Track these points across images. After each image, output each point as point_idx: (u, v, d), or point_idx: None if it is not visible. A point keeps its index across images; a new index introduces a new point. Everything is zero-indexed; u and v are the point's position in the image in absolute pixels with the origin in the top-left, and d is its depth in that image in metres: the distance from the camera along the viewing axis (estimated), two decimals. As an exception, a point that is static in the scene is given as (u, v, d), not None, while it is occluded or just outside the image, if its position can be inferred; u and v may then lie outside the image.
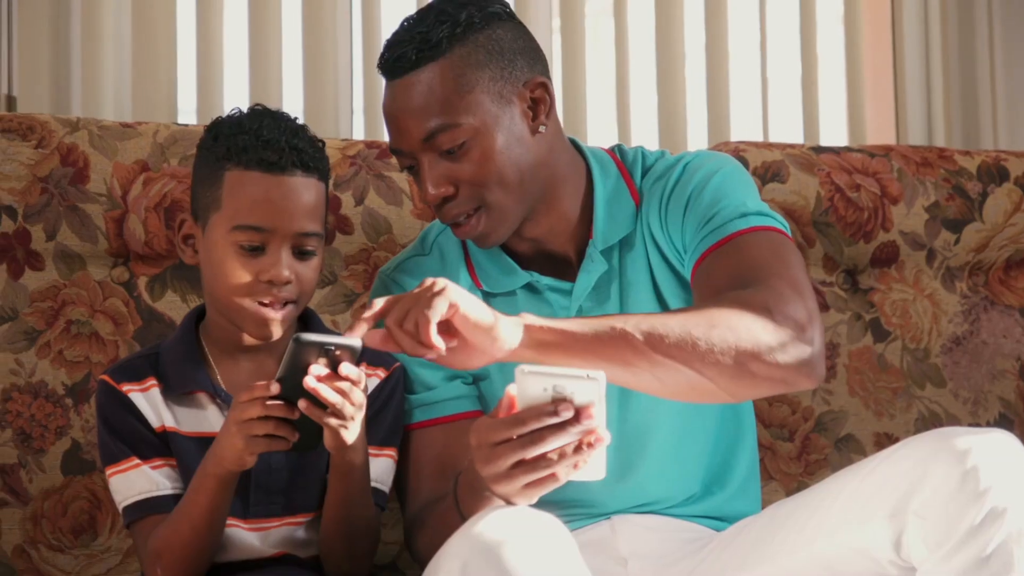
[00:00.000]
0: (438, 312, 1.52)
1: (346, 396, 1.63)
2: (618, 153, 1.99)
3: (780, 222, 1.86)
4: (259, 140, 1.80)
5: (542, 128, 1.86)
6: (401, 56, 1.80)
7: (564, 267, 1.94)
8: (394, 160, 2.28)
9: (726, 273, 1.79)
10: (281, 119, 1.85)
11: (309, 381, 1.60)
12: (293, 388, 1.62)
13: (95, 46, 2.93)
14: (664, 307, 1.92)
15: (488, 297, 1.93)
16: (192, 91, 3.04)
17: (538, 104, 1.86)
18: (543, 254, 1.94)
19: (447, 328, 1.55)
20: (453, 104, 1.80)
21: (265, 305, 1.80)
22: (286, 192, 1.80)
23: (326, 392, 1.61)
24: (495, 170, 1.82)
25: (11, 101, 2.88)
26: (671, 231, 1.91)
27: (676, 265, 1.92)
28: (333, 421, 1.64)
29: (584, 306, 1.92)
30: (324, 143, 1.89)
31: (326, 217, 1.88)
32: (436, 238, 2.00)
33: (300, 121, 1.88)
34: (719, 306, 1.68)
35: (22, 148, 2.13)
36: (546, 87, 1.87)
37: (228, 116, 1.88)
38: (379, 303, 1.57)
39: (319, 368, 1.61)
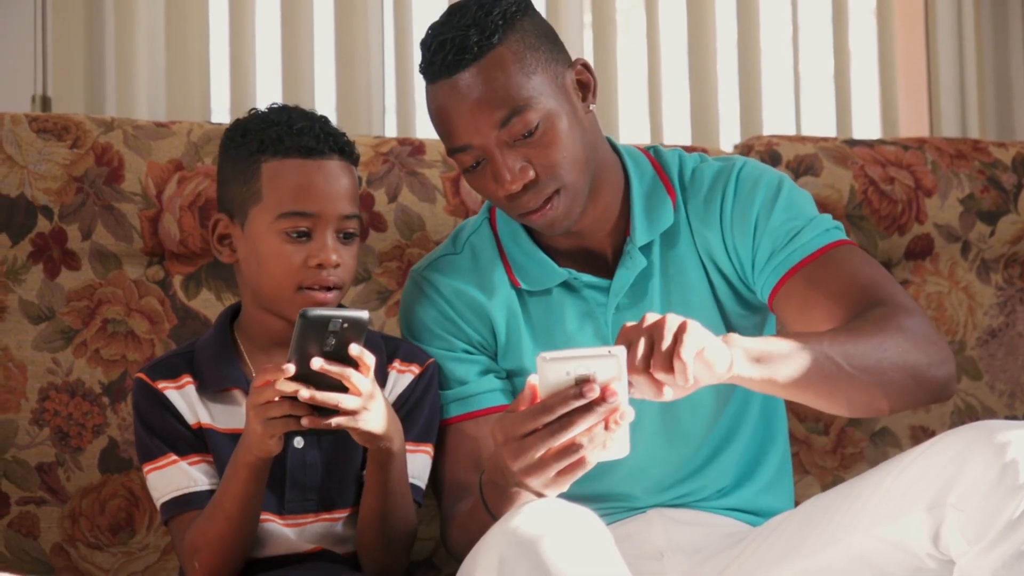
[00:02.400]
0: (694, 346, 1.52)
1: (347, 382, 1.62)
2: (653, 153, 2.00)
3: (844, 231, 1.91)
4: (292, 129, 1.83)
5: (592, 107, 1.88)
6: (461, 49, 1.78)
7: (600, 264, 1.94)
8: (427, 156, 2.29)
9: (835, 289, 1.81)
10: (305, 111, 1.88)
11: (303, 393, 1.60)
12: (305, 365, 1.61)
13: (129, 46, 2.95)
14: (720, 308, 1.92)
15: (526, 295, 1.94)
16: (225, 90, 3.06)
17: (584, 85, 1.87)
18: (581, 251, 1.94)
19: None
20: (523, 87, 1.79)
21: (314, 290, 1.81)
22: (327, 176, 1.83)
23: (323, 397, 1.61)
24: (568, 149, 1.81)
25: (46, 101, 2.90)
26: (737, 244, 1.91)
27: (728, 273, 1.93)
28: (340, 420, 1.64)
29: (621, 303, 1.91)
30: (345, 134, 1.91)
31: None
32: (468, 237, 2.00)
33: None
34: (884, 328, 1.71)
35: (57, 148, 2.14)
36: (588, 68, 1.88)
37: (249, 115, 1.90)
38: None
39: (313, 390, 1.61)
